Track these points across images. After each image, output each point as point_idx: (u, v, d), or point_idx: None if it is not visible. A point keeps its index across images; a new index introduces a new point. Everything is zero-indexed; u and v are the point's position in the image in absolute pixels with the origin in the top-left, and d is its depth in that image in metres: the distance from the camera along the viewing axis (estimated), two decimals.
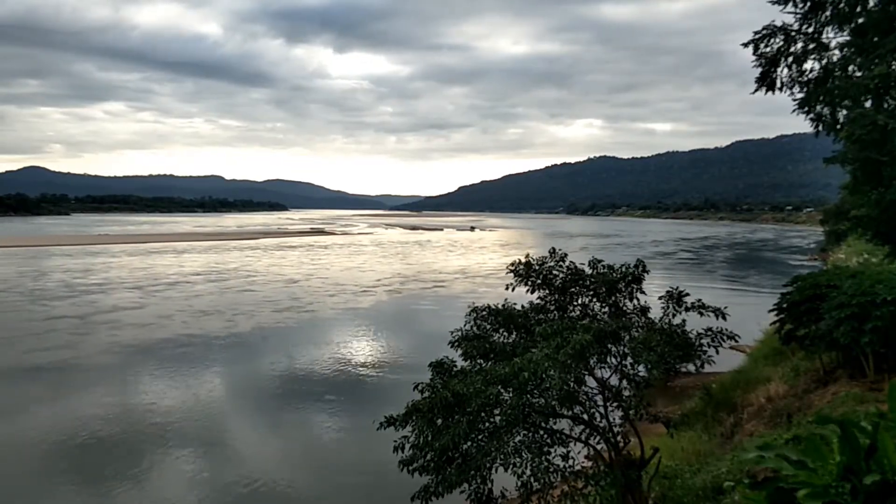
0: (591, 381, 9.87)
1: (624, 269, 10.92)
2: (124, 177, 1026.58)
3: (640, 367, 10.00)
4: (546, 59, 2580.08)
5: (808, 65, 14.96)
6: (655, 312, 10.82)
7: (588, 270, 11.22)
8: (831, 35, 14.74)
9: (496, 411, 8.90)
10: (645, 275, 10.92)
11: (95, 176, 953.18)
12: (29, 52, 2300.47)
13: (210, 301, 42.40)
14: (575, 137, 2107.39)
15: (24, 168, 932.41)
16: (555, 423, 9.64)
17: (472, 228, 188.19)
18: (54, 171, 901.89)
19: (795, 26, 14.63)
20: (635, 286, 10.87)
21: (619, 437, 9.85)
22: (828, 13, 14.28)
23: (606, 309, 11.06)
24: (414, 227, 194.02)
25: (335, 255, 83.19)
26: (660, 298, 10.68)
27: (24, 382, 23.74)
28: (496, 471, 8.85)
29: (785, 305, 14.04)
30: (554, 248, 11.51)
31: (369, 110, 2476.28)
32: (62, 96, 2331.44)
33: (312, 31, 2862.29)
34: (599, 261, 11.34)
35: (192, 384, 23.83)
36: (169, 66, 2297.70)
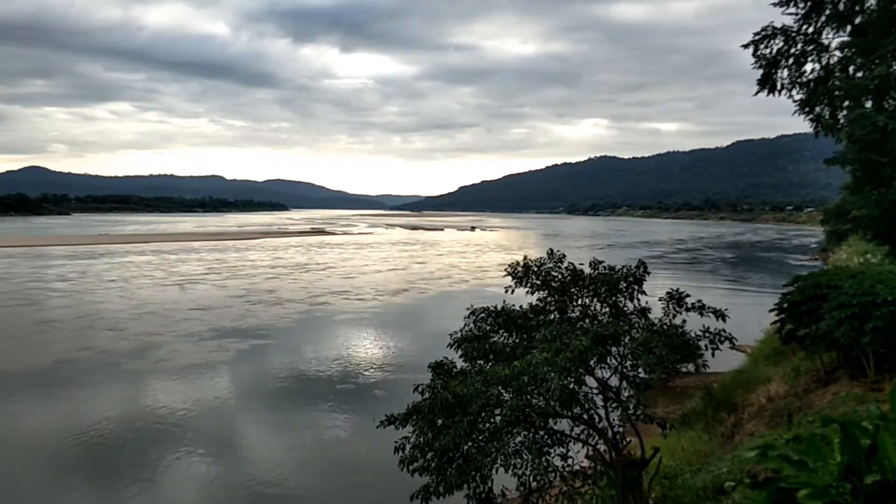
0: (591, 382, 9.88)
1: (625, 270, 10.91)
2: (125, 177, 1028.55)
3: (640, 369, 10.00)
4: (554, 59, 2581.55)
5: (808, 66, 14.97)
6: (656, 313, 10.82)
7: (588, 271, 11.22)
8: (831, 36, 14.74)
9: (496, 412, 8.90)
10: (646, 275, 10.91)
11: (96, 176, 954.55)
12: (36, 52, 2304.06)
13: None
14: (580, 137, 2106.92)
15: (25, 168, 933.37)
16: (555, 424, 9.64)
17: (473, 228, 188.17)
18: (55, 171, 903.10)
19: (795, 28, 14.63)
20: (636, 287, 10.86)
21: (619, 438, 9.85)
22: (827, 13, 14.28)
23: (607, 309, 11.05)
24: (414, 227, 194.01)
25: (347, 254, 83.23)
26: (660, 299, 10.67)
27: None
28: (496, 471, 8.86)
29: (785, 305, 14.04)
30: (552, 249, 11.50)
31: (375, 110, 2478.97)
32: (68, 96, 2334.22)
33: (320, 30, 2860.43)
34: (600, 262, 11.33)
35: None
36: (176, 65, 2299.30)
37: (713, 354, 10.10)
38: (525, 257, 11.65)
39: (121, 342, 30.14)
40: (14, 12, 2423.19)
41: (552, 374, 8.35)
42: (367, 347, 30.46)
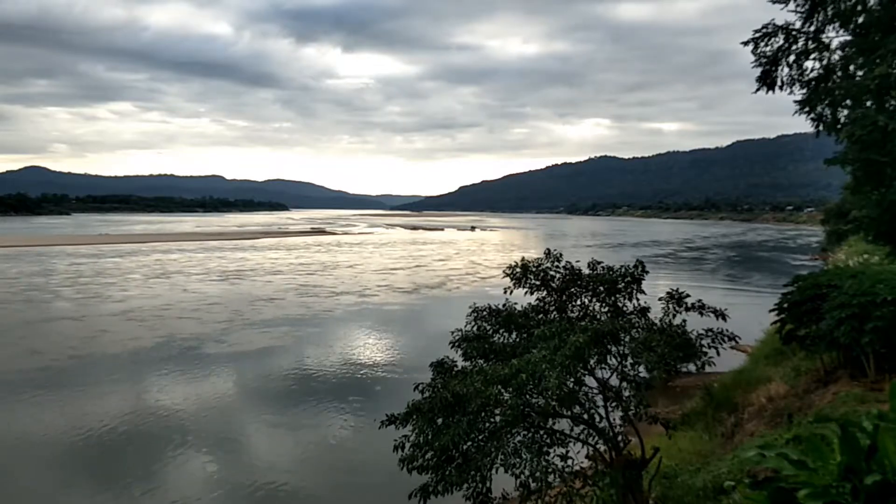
0: (591, 382, 9.87)
1: (623, 270, 10.90)
2: (125, 176, 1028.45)
3: (641, 368, 9.99)
4: (557, 59, 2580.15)
5: (808, 64, 14.93)
6: (656, 313, 10.81)
7: (587, 271, 11.20)
8: (832, 35, 14.71)
9: (496, 411, 8.90)
10: (644, 275, 10.90)
11: (96, 176, 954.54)
12: (39, 52, 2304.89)
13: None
14: (581, 137, 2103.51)
15: (25, 168, 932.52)
16: (555, 424, 9.64)
17: (473, 228, 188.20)
18: (55, 171, 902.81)
19: (796, 25, 14.60)
20: (635, 287, 10.84)
21: (619, 438, 9.84)
22: (829, 12, 14.25)
23: (606, 309, 11.04)
24: (415, 227, 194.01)
25: (352, 253, 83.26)
26: (660, 299, 10.66)
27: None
28: (496, 471, 8.85)
29: (786, 305, 14.04)
30: (549, 249, 11.48)
31: (377, 110, 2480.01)
32: (70, 96, 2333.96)
33: (323, 30, 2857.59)
34: (599, 262, 11.32)
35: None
36: (178, 65, 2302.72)
37: (718, 353, 10.08)
38: (523, 258, 11.64)
39: (208, 327, 34.15)
40: (17, 12, 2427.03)
41: (550, 373, 8.34)
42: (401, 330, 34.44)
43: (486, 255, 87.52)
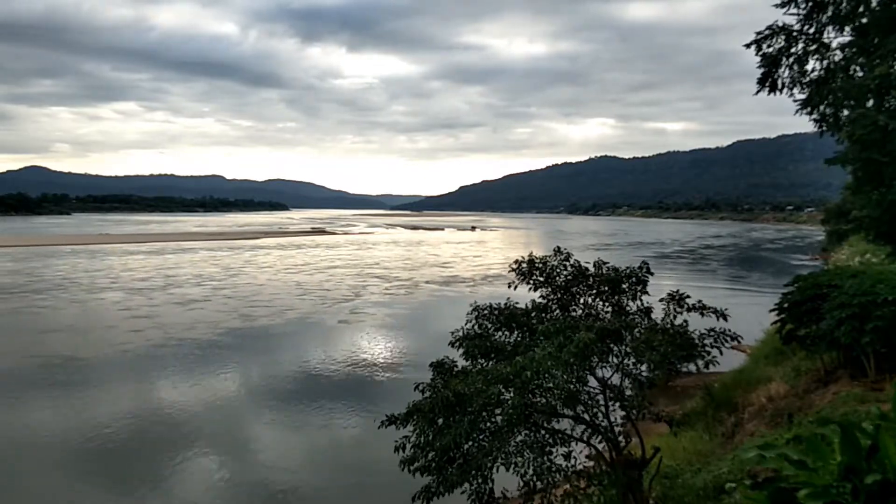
0: (592, 381, 9.88)
1: (629, 271, 10.93)
2: (125, 176, 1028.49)
3: (643, 367, 10.00)
4: (564, 58, 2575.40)
5: (809, 65, 14.95)
6: (657, 314, 10.82)
7: (592, 270, 11.21)
8: (833, 35, 14.72)
9: (497, 411, 8.89)
10: (649, 277, 10.91)
11: (97, 175, 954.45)
12: (45, 51, 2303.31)
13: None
14: (585, 137, 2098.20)
15: (26, 168, 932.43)
16: (556, 423, 9.64)
17: (473, 228, 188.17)
18: (55, 171, 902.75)
19: (797, 27, 14.61)
20: (638, 287, 10.85)
21: (620, 437, 9.85)
22: (829, 13, 14.26)
23: (609, 308, 11.05)
24: (415, 227, 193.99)
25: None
26: (661, 300, 10.67)
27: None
28: (497, 471, 8.85)
29: (786, 305, 14.04)
30: (559, 247, 11.51)
31: (381, 110, 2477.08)
32: (74, 96, 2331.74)
33: (329, 30, 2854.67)
34: (605, 262, 11.32)
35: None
36: (184, 65, 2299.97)
37: (721, 352, 10.10)
38: (530, 254, 11.65)
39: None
40: (24, 12, 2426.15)
41: (556, 371, 8.33)
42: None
43: (487, 255, 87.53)
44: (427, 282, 55.14)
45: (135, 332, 32.02)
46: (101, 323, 34.72)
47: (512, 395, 8.65)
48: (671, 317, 10.42)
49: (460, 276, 60.06)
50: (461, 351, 10.56)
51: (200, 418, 20.14)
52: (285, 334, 32.68)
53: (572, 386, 8.85)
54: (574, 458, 9.42)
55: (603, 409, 9.88)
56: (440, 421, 8.95)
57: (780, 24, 14.71)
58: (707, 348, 10.03)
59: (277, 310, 39.32)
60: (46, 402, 21.39)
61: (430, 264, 71.92)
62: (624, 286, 10.85)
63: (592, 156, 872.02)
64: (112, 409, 20.52)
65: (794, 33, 14.64)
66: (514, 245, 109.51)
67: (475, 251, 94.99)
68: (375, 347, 30.02)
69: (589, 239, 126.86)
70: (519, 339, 10.62)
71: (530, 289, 11.36)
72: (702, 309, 10.37)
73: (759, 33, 14.79)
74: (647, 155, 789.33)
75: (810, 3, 14.26)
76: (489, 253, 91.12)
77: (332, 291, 47.88)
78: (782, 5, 14.53)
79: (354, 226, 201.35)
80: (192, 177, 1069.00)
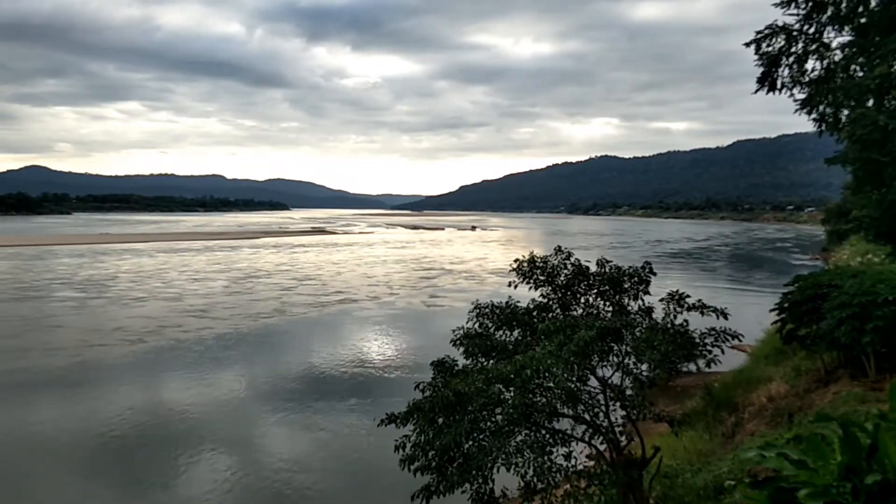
0: (592, 381, 9.87)
1: (631, 270, 10.91)
2: (125, 176, 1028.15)
3: (643, 366, 9.99)
4: (570, 57, 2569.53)
5: (809, 65, 14.95)
6: (657, 313, 10.82)
7: (594, 269, 11.20)
8: (832, 35, 14.72)
9: (497, 410, 8.88)
10: (651, 276, 10.90)
11: (97, 175, 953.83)
12: (51, 51, 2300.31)
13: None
14: (590, 137, 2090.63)
15: (26, 167, 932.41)
16: (557, 423, 9.64)
17: (474, 228, 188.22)
18: (55, 171, 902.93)
19: (797, 26, 14.61)
20: (641, 287, 10.84)
21: (620, 437, 9.84)
22: (829, 13, 14.26)
23: (610, 308, 11.04)
24: (415, 227, 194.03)
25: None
26: (661, 300, 10.67)
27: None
28: (497, 470, 8.85)
29: (786, 305, 14.05)
30: (560, 246, 11.50)
31: (386, 110, 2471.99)
32: (79, 95, 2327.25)
33: (335, 30, 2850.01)
34: (608, 261, 11.31)
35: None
36: (189, 65, 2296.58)
37: (723, 351, 10.09)
38: (531, 253, 11.65)
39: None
40: (30, 12, 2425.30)
41: (556, 369, 8.32)
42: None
43: (488, 254, 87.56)
44: (425, 283, 55.11)
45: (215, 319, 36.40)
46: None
47: (512, 394, 8.65)
48: (671, 316, 10.41)
49: (460, 275, 60.10)
50: (461, 350, 10.56)
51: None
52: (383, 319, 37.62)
53: (572, 384, 8.85)
54: (574, 457, 9.41)
55: (603, 408, 9.87)
56: (440, 420, 8.95)
57: (780, 23, 14.71)
58: (708, 347, 10.02)
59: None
60: (124, 389, 23.53)
61: (428, 264, 71.99)
62: (626, 285, 10.84)
63: (593, 155, 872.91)
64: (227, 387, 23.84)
65: (794, 33, 14.64)
66: (515, 244, 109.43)
67: (476, 250, 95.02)
68: None
69: (590, 238, 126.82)
70: (520, 337, 10.62)
71: (531, 288, 11.35)
72: (702, 308, 10.36)
73: (758, 32, 14.80)
74: (647, 154, 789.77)
75: (810, 3, 14.26)
76: (491, 252, 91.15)
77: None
78: (782, 5, 14.53)
79: (355, 226, 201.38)
80: (192, 176, 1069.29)
